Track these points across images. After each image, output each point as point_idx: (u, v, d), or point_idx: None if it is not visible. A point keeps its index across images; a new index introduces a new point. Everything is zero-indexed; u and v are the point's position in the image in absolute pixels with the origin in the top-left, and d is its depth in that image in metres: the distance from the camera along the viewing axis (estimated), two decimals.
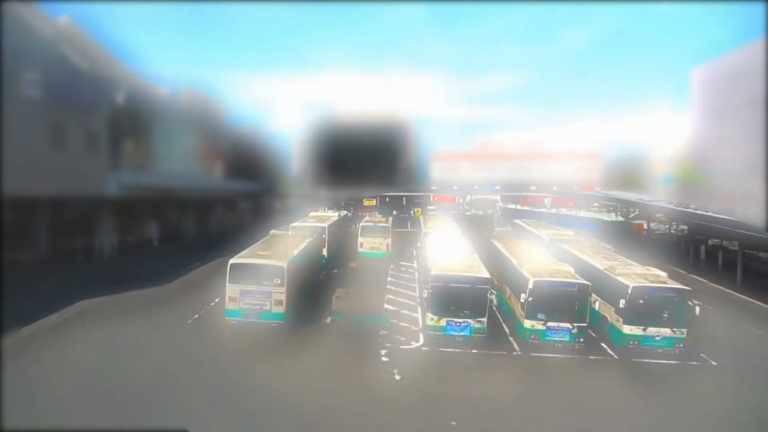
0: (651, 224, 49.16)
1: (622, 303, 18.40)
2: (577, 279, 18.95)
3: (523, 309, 18.39)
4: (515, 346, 18.97)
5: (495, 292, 18.89)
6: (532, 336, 18.18)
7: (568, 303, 18.38)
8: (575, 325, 18.00)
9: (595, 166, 51.25)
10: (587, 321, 18.32)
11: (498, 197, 70.10)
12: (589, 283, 18.81)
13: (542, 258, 22.47)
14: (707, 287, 30.69)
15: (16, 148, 22.49)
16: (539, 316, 18.17)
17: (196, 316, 21.13)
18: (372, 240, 33.84)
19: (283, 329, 18.90)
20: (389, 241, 33.91)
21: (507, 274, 22.57)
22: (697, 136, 41.21)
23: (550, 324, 18.08)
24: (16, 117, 22.70)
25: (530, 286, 18.15)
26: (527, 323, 18.22)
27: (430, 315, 18.51)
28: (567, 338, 18.04)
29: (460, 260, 20.77)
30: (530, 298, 18.10)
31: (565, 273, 19.46)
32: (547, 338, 18.13)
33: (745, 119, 35.17)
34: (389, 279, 28.60)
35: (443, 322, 18.27)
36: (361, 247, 33.88)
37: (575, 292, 18.34)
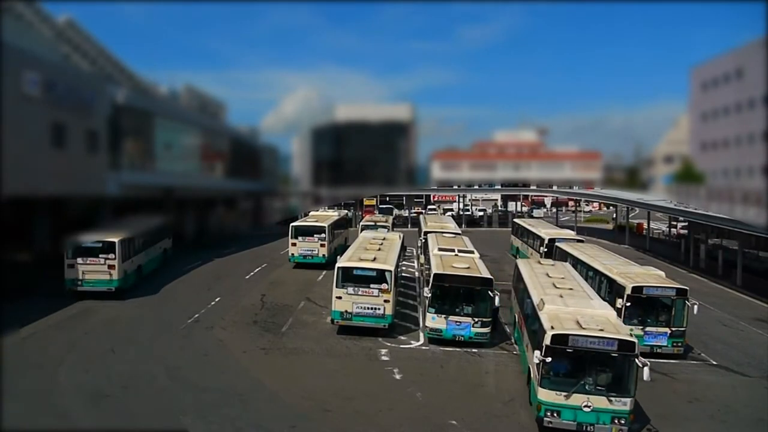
0: (651, 224, 49.16)
1: (620, 303, 18.41)
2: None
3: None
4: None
5: (498, 293, 18.84)
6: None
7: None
8: None
9: (595, 166, 51.13)
10: None
11: (498, 197, 70.24)
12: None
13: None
14: (707, 286, 30.73)
15: (16, 148, 22.48)
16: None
17: (197, 315, 21.15)
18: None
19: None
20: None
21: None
22: (697, 136, 41.22)
23: None
24: (16, 117, 22.69)
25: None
26: None
27: (430, 314, 18.52)
28: None
29: (461, 260, 20.77)
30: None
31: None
32: None
33: (744, 118, 35.22)
34: None
35: (444, 321, 18.29)
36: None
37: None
